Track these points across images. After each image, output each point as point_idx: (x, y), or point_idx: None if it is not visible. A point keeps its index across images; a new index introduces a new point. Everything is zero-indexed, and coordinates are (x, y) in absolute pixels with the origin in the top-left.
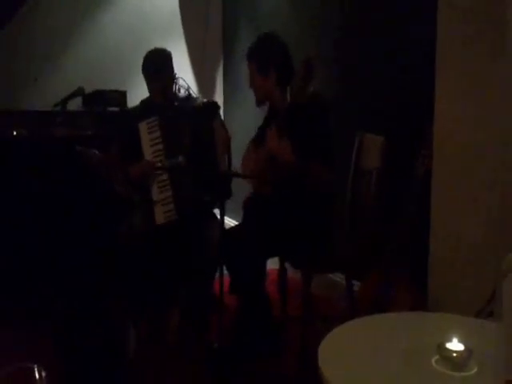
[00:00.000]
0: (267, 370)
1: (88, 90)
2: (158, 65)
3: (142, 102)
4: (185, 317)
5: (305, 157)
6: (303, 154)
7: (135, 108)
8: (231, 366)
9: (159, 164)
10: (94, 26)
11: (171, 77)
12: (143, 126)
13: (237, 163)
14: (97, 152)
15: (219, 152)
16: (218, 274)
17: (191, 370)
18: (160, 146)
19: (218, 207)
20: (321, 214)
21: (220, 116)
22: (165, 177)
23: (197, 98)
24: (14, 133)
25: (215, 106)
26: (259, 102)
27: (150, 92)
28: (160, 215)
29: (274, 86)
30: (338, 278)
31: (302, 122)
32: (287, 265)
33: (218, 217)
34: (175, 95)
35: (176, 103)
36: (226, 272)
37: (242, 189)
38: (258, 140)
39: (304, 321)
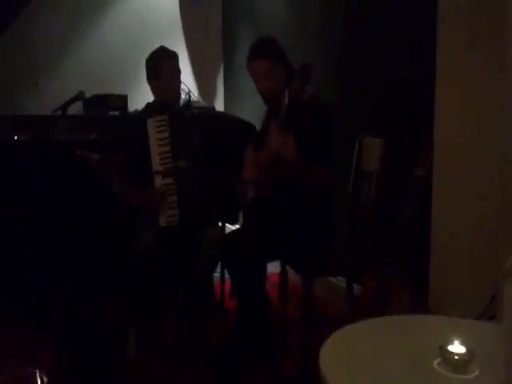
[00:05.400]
0: (268, 372)
1: (89, 93)
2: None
3: (148, 104)
4: (184, 318)
5: (305, 158)
6: (304, 156)
7: (142, 110)
8: (231, 367)
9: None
10: (95, 31)
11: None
12: (151, 123)
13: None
14: (97, 156)
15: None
16: (219, 278)
17: (191, 372)
18: (167, 148)
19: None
20: (321, 217)
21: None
22: (171, 180)
23: (197, 101)
24: (16, 137)
25: (252, 129)
26: (270, 100)
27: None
28: (163, 218)
29: (284, 81)
30: (339, 280)
31: (302, 124)
32: (288, 267)
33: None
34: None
35: (195, 110)
36: (227, 276)
37: None
38: (258, 144)
39: (305, 323)
